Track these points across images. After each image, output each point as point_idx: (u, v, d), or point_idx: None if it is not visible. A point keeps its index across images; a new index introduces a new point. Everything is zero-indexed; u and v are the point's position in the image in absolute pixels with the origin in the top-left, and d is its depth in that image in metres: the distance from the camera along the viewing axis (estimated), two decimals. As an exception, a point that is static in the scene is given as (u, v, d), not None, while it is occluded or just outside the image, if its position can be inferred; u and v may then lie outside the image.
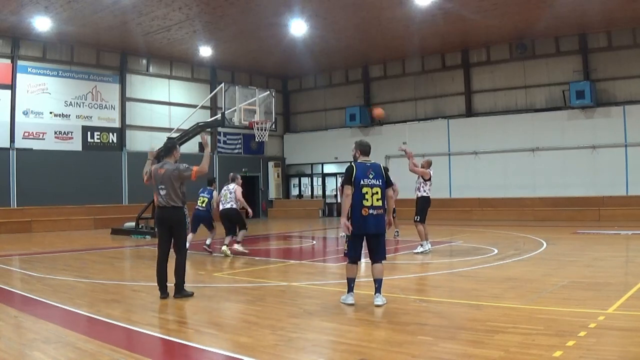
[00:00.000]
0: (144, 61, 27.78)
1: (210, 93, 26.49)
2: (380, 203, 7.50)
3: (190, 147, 24.67)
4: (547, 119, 25.07)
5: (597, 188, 23.51)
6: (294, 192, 34.47)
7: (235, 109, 18.75)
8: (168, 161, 8.32)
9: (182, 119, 22.93)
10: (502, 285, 8.86)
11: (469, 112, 27.62)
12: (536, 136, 25.04)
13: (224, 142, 30.70)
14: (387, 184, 7.70)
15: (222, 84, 19.08)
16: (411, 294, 8.08)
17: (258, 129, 18.96)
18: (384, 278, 7.63)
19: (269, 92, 20.06)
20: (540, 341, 5.46)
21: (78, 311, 7.37)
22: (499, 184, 25.49)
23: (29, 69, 23.73)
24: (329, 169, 33.25)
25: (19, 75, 23.33)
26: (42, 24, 21.07)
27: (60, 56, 24.79)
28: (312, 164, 33.43)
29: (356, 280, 7.68)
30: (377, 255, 7.57)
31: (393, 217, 8.87)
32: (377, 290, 7.47)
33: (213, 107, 28.20)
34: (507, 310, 7.01)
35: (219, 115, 20.08)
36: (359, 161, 7.77)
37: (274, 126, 20.03)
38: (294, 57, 28.11)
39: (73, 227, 23.24)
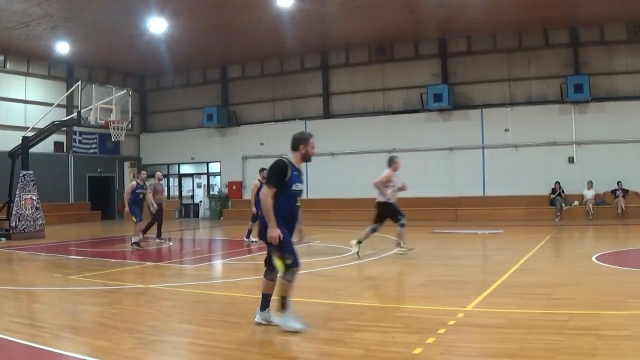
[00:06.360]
0: (0, 58, 26.18)
1: (67, 91, 25.14)
2: None
3: (44, 146, 23.19)
4: (404, 121, 25.86)
5: (454, 189, 24.45)
6: (150, 192, 33.40)
7: (92, 108, 18.41)
8: None
9: (39, 117, 21.61)
10: (360, 284, 8.88)
11: (327, 114, 27.94)
12: (394, 137, 25.66)
13: (80, 142, 29.51)
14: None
15: (79, 82, 18.77)
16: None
17: (114, 129, 18.75)
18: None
19: (125, 90, 19.86)
20: (400, 339, 5.49)
21: None
22: (356, 184, 25.74)
23: None
24: (185, 169, 32.61)
25: None
26: None
27: None
28: (168, 164, 32.34)
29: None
30: None
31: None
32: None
33: (69, 106, 26.76)
34: (366, 309, 7.03)
35: (74, 114, 19.41)
36: (288, 157, 6.47)
37: (130, 125, 19.94)
38: (152, 56, 27.08)
39: None
